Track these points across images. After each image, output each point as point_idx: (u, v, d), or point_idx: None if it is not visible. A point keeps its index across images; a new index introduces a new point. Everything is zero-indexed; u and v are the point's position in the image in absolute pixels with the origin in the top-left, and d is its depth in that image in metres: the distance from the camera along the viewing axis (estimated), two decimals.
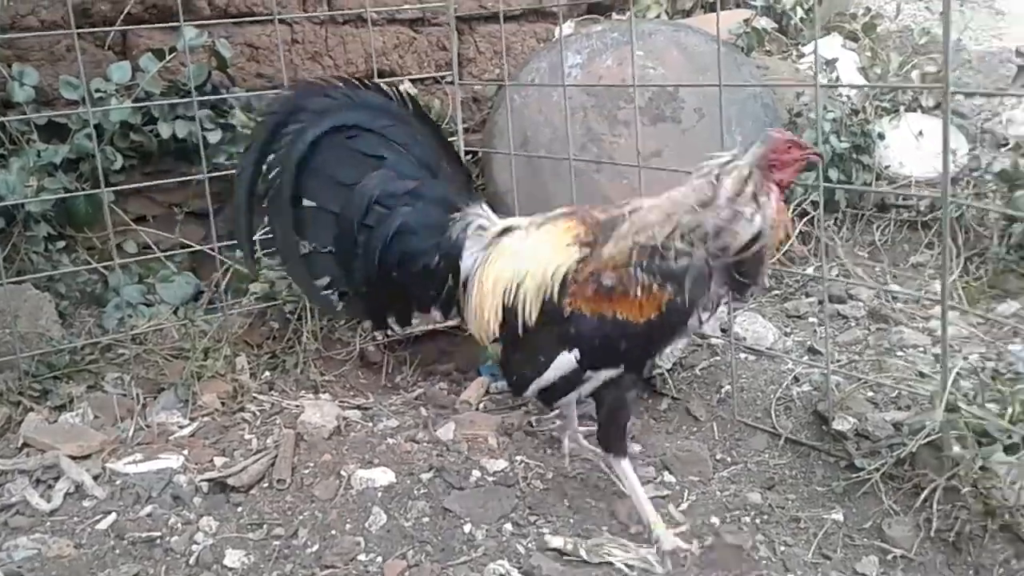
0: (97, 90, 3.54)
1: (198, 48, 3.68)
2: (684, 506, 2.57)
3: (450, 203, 2.63)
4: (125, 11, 3.75)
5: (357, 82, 2.62)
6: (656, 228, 2.28)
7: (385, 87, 2.65)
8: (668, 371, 3.12)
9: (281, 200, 2.56)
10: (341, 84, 2.59)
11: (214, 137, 3.68)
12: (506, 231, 2.58)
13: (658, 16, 5.04)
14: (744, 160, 2.27)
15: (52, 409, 2.99)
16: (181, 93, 3.63)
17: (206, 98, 3.56)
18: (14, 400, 3.00)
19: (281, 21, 4.08)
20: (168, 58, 3.62)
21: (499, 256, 2.53)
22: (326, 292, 2.70)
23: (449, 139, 2.89)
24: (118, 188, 3.48)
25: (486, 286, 2.52)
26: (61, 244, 3.51)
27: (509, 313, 2.47)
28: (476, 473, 2.69)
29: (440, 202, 2.63)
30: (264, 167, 2.57)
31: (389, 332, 3.50)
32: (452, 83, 4.18)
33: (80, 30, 3.24)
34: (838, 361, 3.10)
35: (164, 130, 3.64)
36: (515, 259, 2.49)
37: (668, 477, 2.71)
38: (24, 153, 3.40)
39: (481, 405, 3.15)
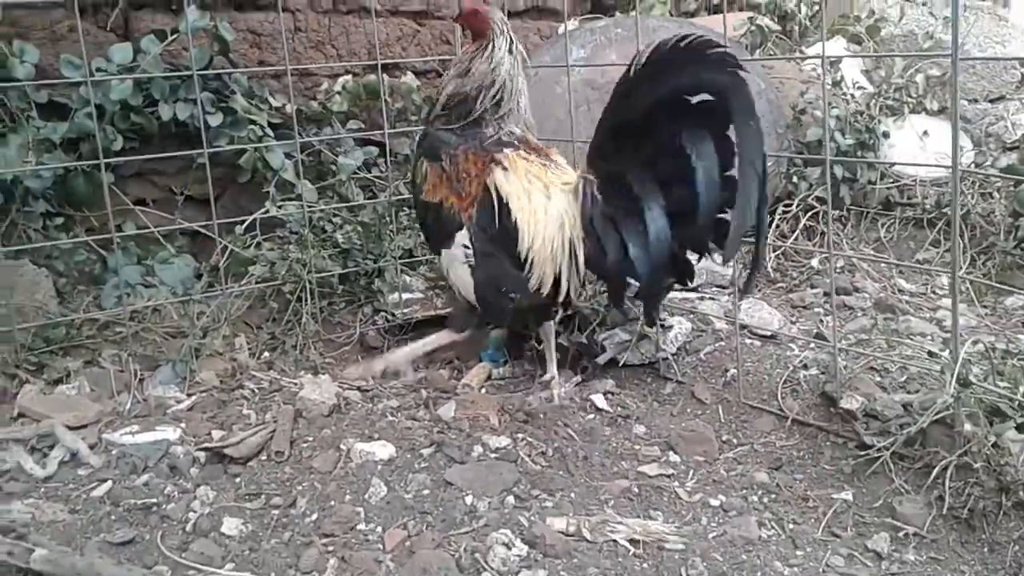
0: (99, 69, 3.50)
1: (200, 31, 3.66)
2: (689, 484, 2.52)
3: None
4: None
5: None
6: None
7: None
8: (673, 356, 3.08)
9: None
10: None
11: (215, 121, 3.65)
12: None
13: (662, 15, 5.05)
14: None
15: (48, 383, 2.94)
16: (183, 78, 3.60)
17: (206, 71, 3.53)
18: (10, 373, 2.94)
19: (284, 8, 4.07)
20: (170, 39, 3.59)
21: None
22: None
23: None
24: (117, 160, 3.45)
25: None
26: (59, 221, 3.47)
27: None
28: (478, 449, 2.64)
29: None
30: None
31: (389, 318, 3.47)
32: None
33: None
34: (846, 339, 3.06)
35: (165, 112, 3.60)
36: None
37: (673, 457, 2.66)
38: (23, 130, 3.36)
39: (483, 389, 3.10)
